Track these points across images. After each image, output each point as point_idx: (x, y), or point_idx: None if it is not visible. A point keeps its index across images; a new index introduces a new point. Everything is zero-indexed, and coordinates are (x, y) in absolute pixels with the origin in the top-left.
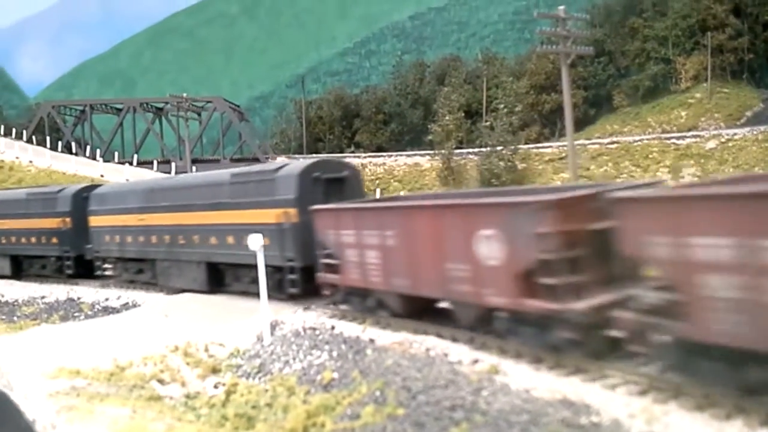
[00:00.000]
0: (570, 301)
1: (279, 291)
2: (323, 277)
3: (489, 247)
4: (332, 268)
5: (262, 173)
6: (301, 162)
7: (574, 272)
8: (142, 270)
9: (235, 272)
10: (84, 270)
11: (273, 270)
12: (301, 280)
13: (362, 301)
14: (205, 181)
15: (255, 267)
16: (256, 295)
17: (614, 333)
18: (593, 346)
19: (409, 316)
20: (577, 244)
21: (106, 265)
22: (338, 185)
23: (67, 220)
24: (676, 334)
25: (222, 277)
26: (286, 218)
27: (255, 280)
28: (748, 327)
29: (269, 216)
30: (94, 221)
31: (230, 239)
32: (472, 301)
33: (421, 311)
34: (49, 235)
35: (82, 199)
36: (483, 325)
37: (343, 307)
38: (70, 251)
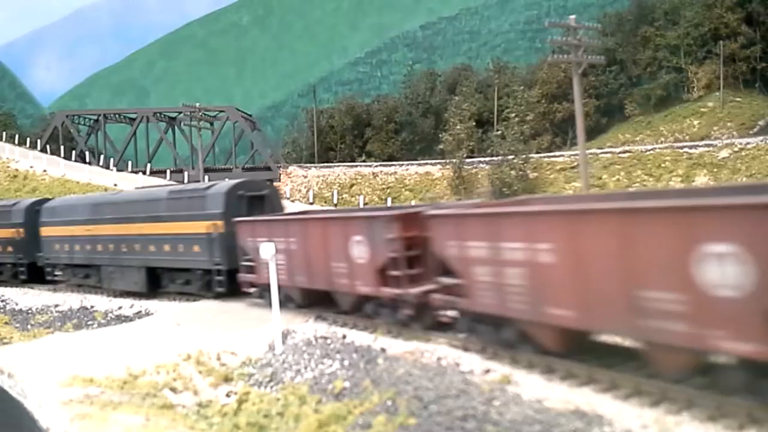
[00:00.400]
0: (408, 287)
1: (208, 290)
2: (243, 277)
3: (359, 249)
4: (250, 270)
5: (194, 191)
6: (228, 182)
7: (411, 267)
8: (89, 275)
9: (170, 275)
10: (36, 276)
11: (203, 272)
12: (227, 280)
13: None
14: (145, 197)
15: (188, 270)
16: (191, 295)
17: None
18: (424, 321)
19: (307, 306)
20: (414, 246)
21: (57, 272)
22: (259, 201)
23: (21, 230)
24: (470, 309)
25: (159, 280)
26: (214, 229)
27: (188, 282)
28: (496, 300)
29: (200, 227)
30: (45, 231)
31: (167, 247)
32: (349, 291)
33: (315, 302)
34: (5, 244)
35: (35, 212)
36: (356, 310)
37: (258, 300)
38: (24, 259)
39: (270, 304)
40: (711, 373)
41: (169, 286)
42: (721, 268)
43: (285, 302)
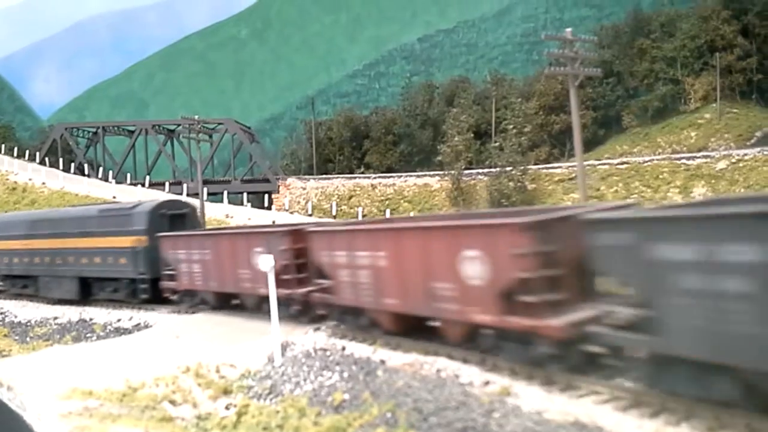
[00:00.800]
0: (296, 288)
1: (134, 297)
2: (166, 284)
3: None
4: (172, 278)
5: (121, 210)
6: (152, 201)
7: (299, 272)
8: (27, 285)
9: (101, 284)
10: None
11: (129, 281)
12: (150, 288)
13: (191, 299)
14: (78, 215)
15: (116, 279)
16: (119, 301)
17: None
18: (310, 315)
19: (220, 308)
20: (301, 255)
21: None
22: (180, 219)
23: None
24: (337, 303)
25: (91, 289)
26: (139, 243)
27: (116, 290)
28: (354, 295)
29: (127, 241)
30: None
31: (97, 259)
32: (251, 293)
33: (225, 303)
34: None
35: None
36: (258, 308)
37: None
38: None
39: (188, 305)
40: (477, 338)
41: (100, 294)
42: (472, 266)
43: (199, 304)
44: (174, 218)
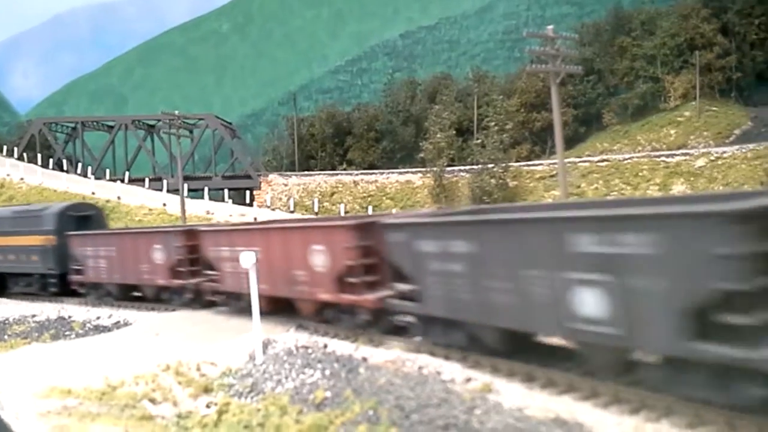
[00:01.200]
0: (189, 279)
1: (44, 290)
2: (74, 278)
3: (157, 254)
4: (79, 272)
5: (33, 211)
6: (60, 204)
7: (192, 265)
8: None
9: (15, 279)
10: None
11: (40, 276)
12: (59, 282)
13: (97, 291)
14: None
15: (29, 275)
16: (33, 294)
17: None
18: (201, 302)
19: (124, 298)
20: (193, 251)
21: None
22: (86, 220)
23: None
24: (222, 290)
25: (6, 283)
26: (48, 242)
27: (29, 284)
28: (235, 283)
29: (38, 240)
30: None
31: (11, 256)
32: (151, 283)
33: (128, 293)
34: None
35: None
36: (158, 297)
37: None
38: None
39: (95, 297)
40: (323, 312)
41: (14, 288)
42: (318, 257)
43: (104, 295)
44: (81, 219)
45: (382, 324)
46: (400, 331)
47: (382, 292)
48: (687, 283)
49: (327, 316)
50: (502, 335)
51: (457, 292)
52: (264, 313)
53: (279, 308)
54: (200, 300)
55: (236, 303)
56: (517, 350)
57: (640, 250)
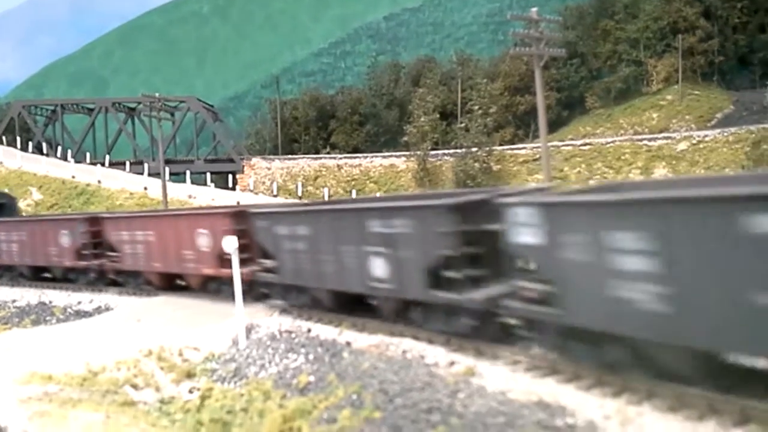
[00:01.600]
0: (93, 261)
1: None
2: None
3: (64, 239)
4: None
5: None
6: None
7: (96, 248)
8: None
9: None
10: None
11: None
12: None
13: (10, 273)
14: None
15: None
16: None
17: None
18: (104, 281)
19: (34, 279)
20: (97, 236)
21: None
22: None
23: None
24: (122, 269)
25: None
26: None
27: None
28: (134, 262)
29: None
30: None
31: None
32: (58, 265)
33: (39, 274)
34: None
35: None
36: (66, 277)
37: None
38: None
39: (8, 278)
40: (208, 286)
41: None
42: (203, 239)
43: (17, 276)
44: None
45: (254, 293)
46: (264, 297)
47: (252, 266)
48: (427, 252)
49: (210, 288)
50: (332, 295)
51: (302, 264)
52: (158, 288)
53: (169, 284)
54: (104, 279)
55: (134, 280)
56: (343, 307)
57: (403, 230)
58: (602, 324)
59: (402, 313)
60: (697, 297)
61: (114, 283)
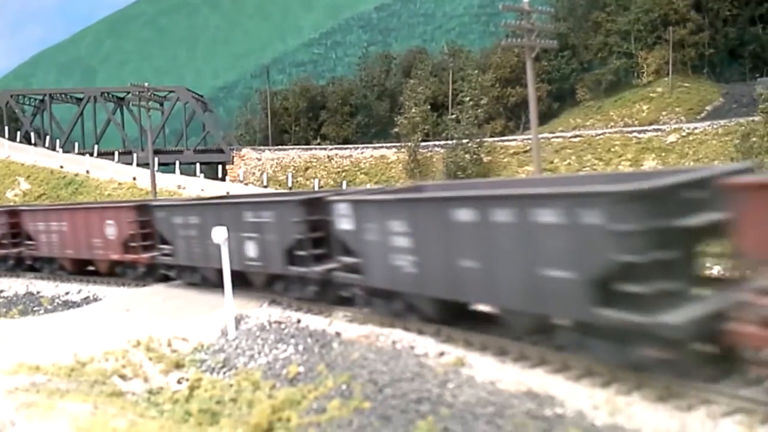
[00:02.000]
0: (12, 249)
1: None
2: None
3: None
4: None
5: None
6: None
7: (15, 237)
8: None
9: None
10: None
11: None
12: None
13: None
14: None
15: None
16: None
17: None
18: (22, 267)
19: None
20: (15, 227)
21: None
22: None
23: None
24: (38, 256)
25: None
26: None
27: None
28: (49, 250)
29: None
30: None
31: None
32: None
33: None
34: None
35: None
36: (3, 262)
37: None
38: None
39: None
40: (115, 269)
41: None
42: (110, 229)
43: None
44: None
45: (154, 275)
46: (166, 279)
47: (153, 252)
48: (285, 236)
49: (117, 271)
50: (217, 273)
51: (193, 249)
52: (69, 273)
53: (82, 270)
54: (21, 265)
55: (49, 266)
56: (221, 284)
57: (268, 220)
58: (388, 284)
59: (268, 285)
60: (429, 262)
61: (32, 269)
